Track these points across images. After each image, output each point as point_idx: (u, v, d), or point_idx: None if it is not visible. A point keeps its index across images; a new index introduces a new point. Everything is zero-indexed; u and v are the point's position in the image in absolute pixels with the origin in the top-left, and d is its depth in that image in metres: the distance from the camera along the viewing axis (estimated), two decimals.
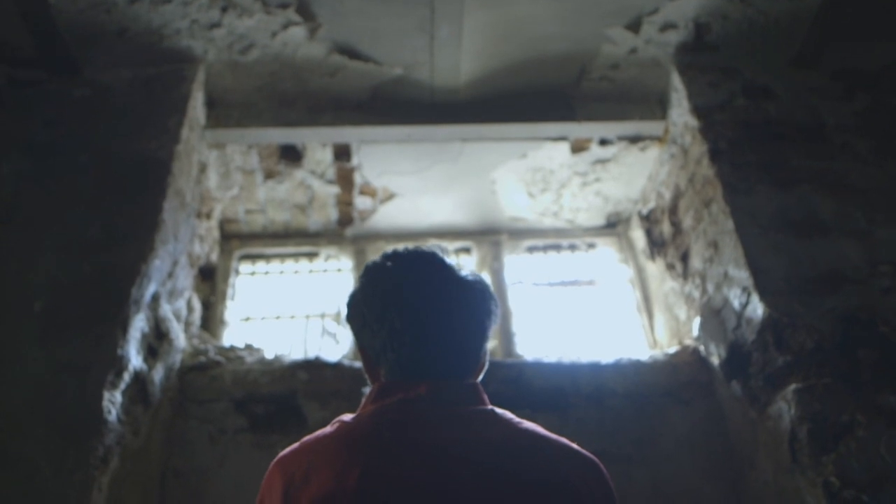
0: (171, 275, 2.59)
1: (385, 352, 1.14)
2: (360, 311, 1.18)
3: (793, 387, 2.21)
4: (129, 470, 2.17)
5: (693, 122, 2.86)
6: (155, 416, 2.40)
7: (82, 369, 2.10)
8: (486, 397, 1.13)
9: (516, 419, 1.09)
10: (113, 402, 2.10)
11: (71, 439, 1.99)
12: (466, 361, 1.16)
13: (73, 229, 2.40)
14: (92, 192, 2.51)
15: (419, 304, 1.14)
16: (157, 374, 2.41)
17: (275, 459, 1.08)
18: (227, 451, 2.47)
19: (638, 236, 3.50)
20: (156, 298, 2.43)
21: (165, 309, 2.52)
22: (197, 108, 2.88)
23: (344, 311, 1.30)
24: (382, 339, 1.14)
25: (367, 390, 1.29)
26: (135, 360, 2.24)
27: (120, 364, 2.15)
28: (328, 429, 1.10)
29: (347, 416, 1.13)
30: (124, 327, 2.20)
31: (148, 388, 2.35)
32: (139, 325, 2.30)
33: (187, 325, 2.87)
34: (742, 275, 2.45)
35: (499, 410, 1.11)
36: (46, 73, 2.83)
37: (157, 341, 2.45)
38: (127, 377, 2.19)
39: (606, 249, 3.66)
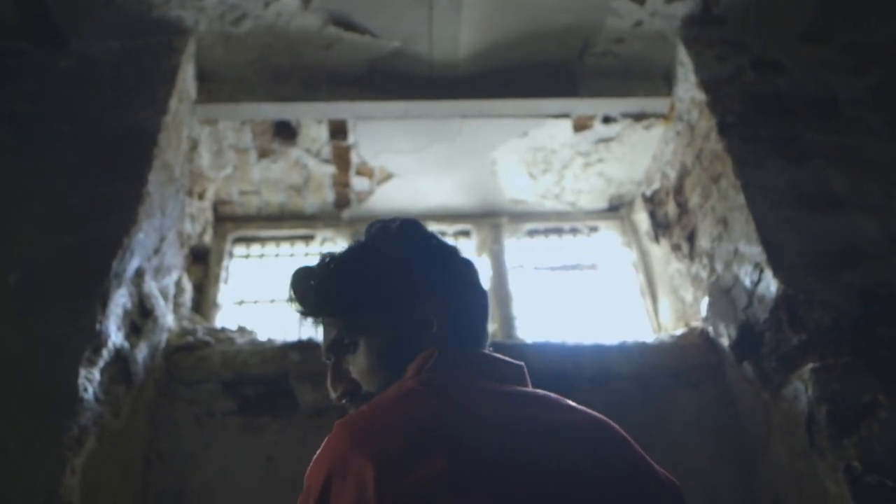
0: (157, 251, 2.42)
1: (459, 316, 1.07)
2: (435, 268, 1.09)
3: (810, 366, 2.04)
4: (107, 452, 1.99)
5: (700, 95, 2.69)
6: (138, 396, 2.22)
7: (58, 345, 1.93)
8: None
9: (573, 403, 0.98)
10: (90, 379, 1.93)
11: (43, 418, 1.82)
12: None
13: (54, 201, 2.23)
14: (74, 163, 2.33)
15: (475, 277, 1.15)
16: (141, 352, 2.23)
17: (349, 435, 0.83)
18: (214, 434, 2.29)
19: (641, 219, 3.32)
20: (140, 274, 2.25)
21: (151, 286, 2.35)
22: (187, 80, 2.70)
23: (401, 255, 1.11)
24: (460, 301, 1.08)
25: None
26: (115, 336, 2.06)
27: (98, 340, 1.98)
28: (399, 395, 0.91)
29: (413, 384, 0.94)
30: (104, 302, 2.02)
31: (130, 367, 2.17)
32: (121, 300, 2.12)
33: (177, 305, 2.69)
34: (754, 251, 2.27)
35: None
36: (31, 44, 2.66)
37: (141, 319, 2.28)
38: (106, 354, 2.01)
39: (609, 233, 3.48)
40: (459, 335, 1.06)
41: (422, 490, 0.74)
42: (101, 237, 2.14)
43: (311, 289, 1.12)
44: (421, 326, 1.05)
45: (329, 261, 1.14)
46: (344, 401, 1.08)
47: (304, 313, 1.13)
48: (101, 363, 1.99)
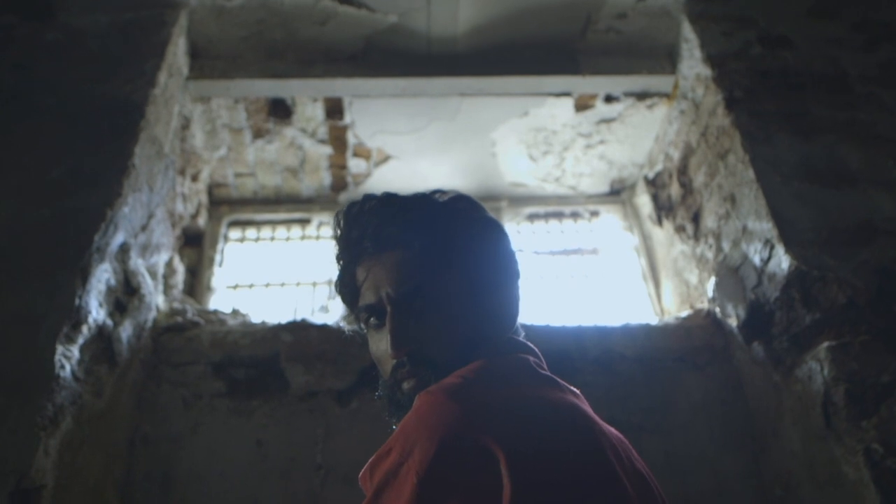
0: (144, 227, 2.27)
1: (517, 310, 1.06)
2: (514, 259, 1.06)
3: (825, 345, 1.88)
4: (86, 434, 1.83)
5: (706, 71, 2.53)
6: (122, 377, 2.07)
7: (35, 321, 1.77)
8: None
9: None
10: (68, 356, 1.77)
11: (16, 397, 1.67)
12: None
13: (36, 174, 2.08)
14: (58, 136, 2.18)
15: None
16: (125, 331, 2.08)
17: (462, 409, 0.73)
18: (201, 417, 2.14)
19: (644, 202, 3.17)
20: (125, 249, 2.10)
21: (137, 263, 2.19)
22: (178, 54, 2.55)
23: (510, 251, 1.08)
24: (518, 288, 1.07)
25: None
26: (96, 312, 1.91)
27: (78, 316, 1.82)
28: (496, 374, 0.84)
29: (505, 364, 0.89)
30: (84, 276, 1.87)
31: (114, 347, 2.01)
32: (103, 275, 1.97)
33: (169, 287, 2.54)
34: (764, 227, 2.12)
35: None
36: (17, 18, 2.51)
37: (126, 297, 2.12)
38: (86, 331, 1.86)
39: (610, 217, 3.33)
40: (516, 320, 1.04)
41: (558, 478, 0.70)
42: (83, 210, 1.99)
43: (428, 219, 0.98)
44: (505, 306, 1.01)
45: (449, 203, 1.03)
46: (405, 360, 0.93)
47: (395, 238, 0.97)
48: (80, 340, 1.83)
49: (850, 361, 1.83)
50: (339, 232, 1.07)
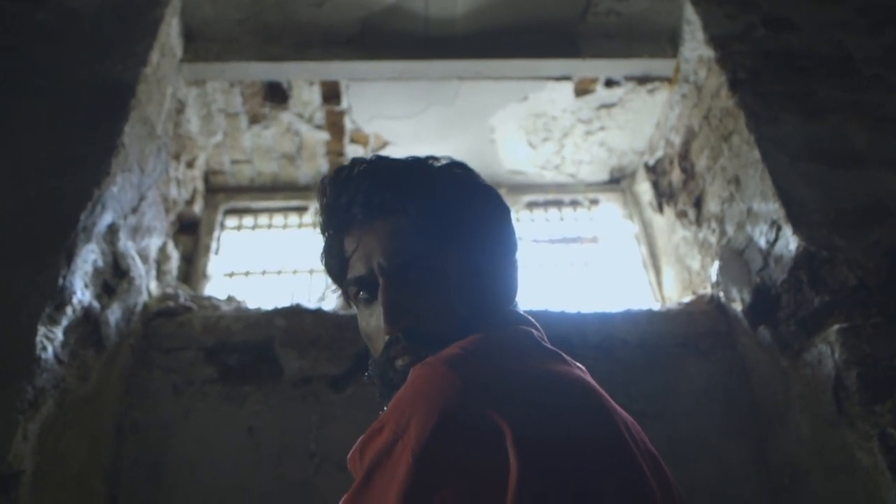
0: (135, 209, 2.15)
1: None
2: (513, 228, 0.99)
3: (836, 327, 1.77)
4: (70, 419, 1.72)
5: (709, 53, 2.42)
6: (111, 362, 1.95)
7: (17, 302, 1.66)
8: None
9: None
10: (50, 338, 1.66)
11: None
12: None
13: (21, 155, 1.96)
14: (48, 117, 2.06)
15: None
16: (114, 314, 1.96)
17: (462, 382, 0.65)
18: (193, 404, 2.03)
19: (644, 189, 3.05)
20: (113, 230, 1.99)
21: (127, 245, 2.08)
22: (171, 35, 2.44)
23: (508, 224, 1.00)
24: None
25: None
26: (82, 294, 1.80)
27: (61, 297, 1.71)
28: (497, 346, 0.77)
29: (506, 337, 0.80)
30: (69, 256, 1.76)
31: (101, 330, 1.90)
32: (90, 256, 1.86)
33: (162, 273, 2.43)
34: (771, 208, 2.01)
35: None
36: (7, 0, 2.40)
37: (115, 279, 2.01)
38: (71, 312, 1.74)
39: (610, 206, 3.21)
40: (516, 294, 0.96)
41: (570, 457, 0.62)
42: (69, 189, 1.88)
43: (424, 185, 0.89)
44: (504, 279, 0.92)
45: (445, 168, 0.94)
46: (400, 336, 0.84)
47: (389, 205, 0.88)
48: (64, 322, 1.72)
49: (862, 344, 1.72)
50: (324, 199, 0.97)
